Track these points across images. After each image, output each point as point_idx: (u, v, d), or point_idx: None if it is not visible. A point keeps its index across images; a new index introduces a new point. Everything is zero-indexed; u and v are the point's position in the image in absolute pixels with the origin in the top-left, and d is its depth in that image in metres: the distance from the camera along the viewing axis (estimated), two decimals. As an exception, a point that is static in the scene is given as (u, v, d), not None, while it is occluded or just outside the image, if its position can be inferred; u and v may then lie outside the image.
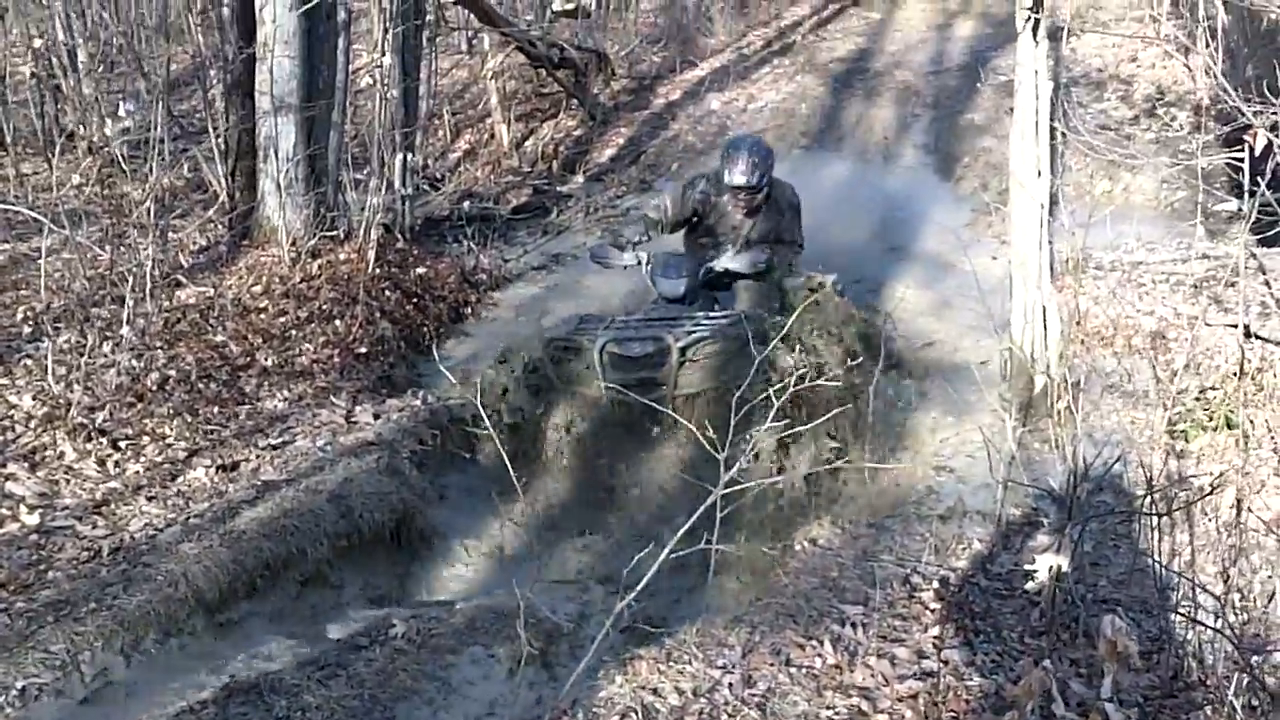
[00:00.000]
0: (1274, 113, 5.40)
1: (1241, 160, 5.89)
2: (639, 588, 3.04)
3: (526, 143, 12.72)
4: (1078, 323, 6.72)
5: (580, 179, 11.88)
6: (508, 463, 3.51)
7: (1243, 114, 5.31)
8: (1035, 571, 3.23)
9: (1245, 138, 4.82)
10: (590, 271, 8.77)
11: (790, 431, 4.04)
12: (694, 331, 6.30)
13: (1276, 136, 4.83)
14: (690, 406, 5.98)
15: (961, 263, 7.27)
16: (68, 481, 5.50)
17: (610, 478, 6.27)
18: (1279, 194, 5.50)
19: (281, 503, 5.39)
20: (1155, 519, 4.33)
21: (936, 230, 8.99)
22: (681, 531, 3.14)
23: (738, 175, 6.82)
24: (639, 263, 7.02)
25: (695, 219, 7.18)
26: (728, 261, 6.94)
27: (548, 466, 6.35)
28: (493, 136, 12.77)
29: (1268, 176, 5.33)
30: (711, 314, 6.59)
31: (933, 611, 4.34)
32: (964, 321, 7.48)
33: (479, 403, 4.06)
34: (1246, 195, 5.89)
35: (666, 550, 3.05)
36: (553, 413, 6.41)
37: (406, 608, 5.10)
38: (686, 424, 3.97)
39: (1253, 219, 5.50)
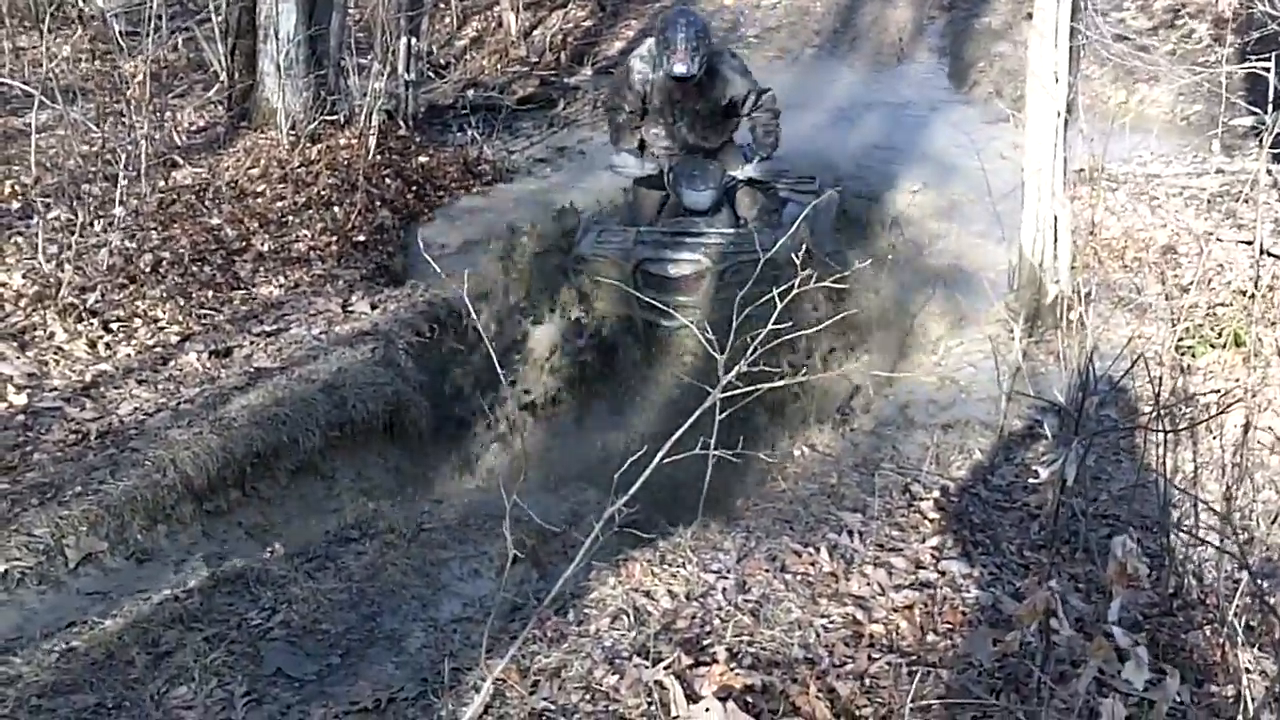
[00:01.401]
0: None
1: (1268, 70, 5.70)
2: (630, 491, 2.92)
3: (535, 32, 12.41)
4: (1091, 234, 6.56)
5: (588, 71, 11.60)
6: (495, 361, 3.36)
7: (1272, 20, 5.11)
8: (1040, 484, 3.11)
9: (1233, 46, 4.63)
10: (595, 168, 8.60)
11: (793, 335, 3.90)
12: (730, 253, 6.13)
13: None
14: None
15: (972, 166, 7.08)
16: (57, 362, 5.38)
17: (619, 388, 6.16)
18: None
19: (274, 391, 5.29)
20: (1161, 436, 4.21)
21: (948, 133, 8.80)
22: (678, 434, 3.02)
23: (677, 65, 6.28)
24: (660, 171, 6.72)
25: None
26: (751, 171, 6.70)
27: (552, 372, 6.23)
28: (500, 24, 12.45)
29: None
30: (740, 229, 6.40)
31: (931, 522, 4.24)
32: (973, 227, 7.32)
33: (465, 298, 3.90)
34: (1271, 107, 5.70)
35: (660, 454, 2.94)
36: (562, 322, 6.29)
37: (398, 501, 5.02)
38: (685, 321, 3.82)
39: (1275, 132, 5.33)
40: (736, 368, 3.12)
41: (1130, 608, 3.61)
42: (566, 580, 2.95)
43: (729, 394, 3.52)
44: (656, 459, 2.92)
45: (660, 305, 5.69)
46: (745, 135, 6.86)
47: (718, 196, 6.56)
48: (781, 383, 3.56)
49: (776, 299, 3.32)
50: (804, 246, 6.04)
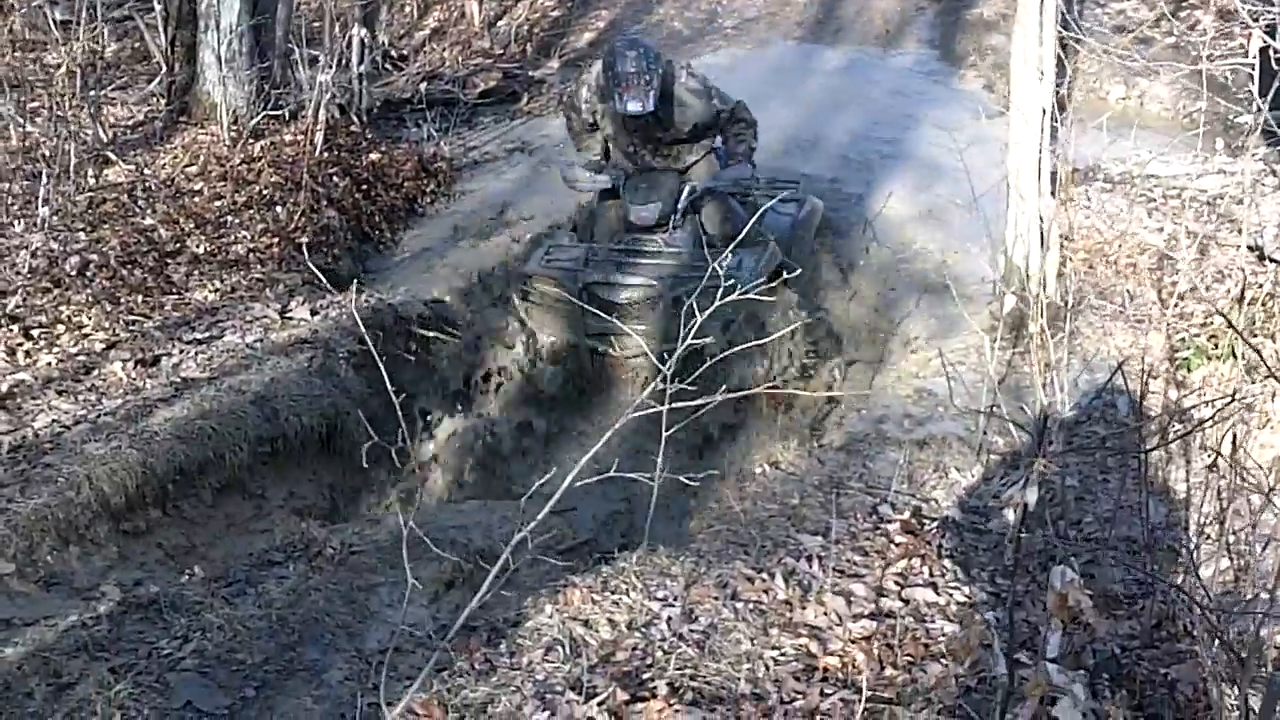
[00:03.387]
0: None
1: (1251, 67, 5.68)
2: (539, 518, 2.87)
3: (500, 22, 12.36)
4: (1064, 239, 6.51)
5: (555, 64, 11.53)
6: (389, 384, 3.28)
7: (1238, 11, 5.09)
8: (1002, 508, 3.07)
9: (1241, 38, 4.61)
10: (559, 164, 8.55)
11: (744, 346, 3.86)
12: (685, 277, 5.86)
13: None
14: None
15: (958, 166, 7.06)
16: (-30, 372, 5.32)
17: (567, 410, 6.12)
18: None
19: (201, 403, 5.22)
20: (1145, 453, 4.16)
21: (934, 132, 8.74)
22: (595, 448, 2.97)
23: (630, 103, 6.06)
24: (612, 184, 6.49)
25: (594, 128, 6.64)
26: (710, 182, 6.49)
27: (495, 393, 6.18)
28: (463, 15, 12.40)
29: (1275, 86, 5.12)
30: (699, 249, 6.12)
31: (898, 546, 4.19)
32: (956, 232, 7.27)
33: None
34: (1254, 107, 5.68)
35: (570, 476, 2.89)
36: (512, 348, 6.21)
37: (329, 522, 4.97)
38: (637, 346, 3.76)
39: (1260, 129, 5.31)
40: (661, 377, 3.06)
41: (1108, 639, 3.57)
42: (470, 611, 2.88)
43: (677, 406, 3.49)
44: (567, 481, 2.87)
45: (606, 332, 5.66)
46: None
47: (666, 210, 6.31)
48: (719, 397, 3.50)
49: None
50: (772, 264, 5.99)
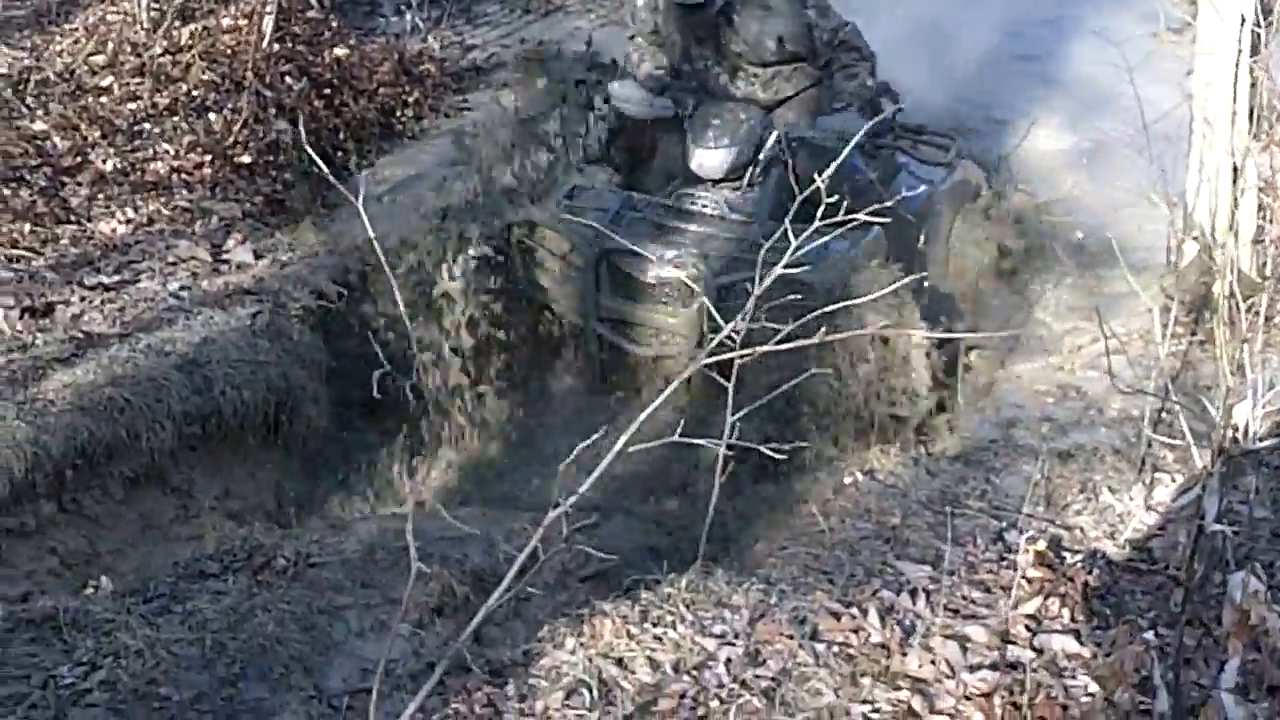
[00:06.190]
0: None
1: None
2: (575, 496, 3.01)
3: None
4: (1266, 188, 6.57)
5: (595, -72, 11.59)
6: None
7: None
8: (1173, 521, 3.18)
9: None
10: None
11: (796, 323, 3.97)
12: (742, 257, 5.75)
13: None
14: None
15: (1126, 93, 7.14)
16: None
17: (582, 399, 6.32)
18: None
19: (110, 366, 5.38)
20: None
21: (1097, 43, 8.82)
22: (644, 415, 3.11)
23: None
24: (676, 115, 6.50)
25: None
26: (802, 131, 6.42)
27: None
28: None
29: None
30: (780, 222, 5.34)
31: (1031, 582, 4.28)
32: (1121, 178, 7.34)
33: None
34: None
35: (621, 441, 3.03)
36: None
37: (279, 526, 5.09)
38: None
39: None
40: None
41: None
42: (465, 639, 3.02)
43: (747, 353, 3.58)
44: (618, 446, 3.01)
45: (624, 319, 5.83)
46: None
47: (741, 160, 6.22)
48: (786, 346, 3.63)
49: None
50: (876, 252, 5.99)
